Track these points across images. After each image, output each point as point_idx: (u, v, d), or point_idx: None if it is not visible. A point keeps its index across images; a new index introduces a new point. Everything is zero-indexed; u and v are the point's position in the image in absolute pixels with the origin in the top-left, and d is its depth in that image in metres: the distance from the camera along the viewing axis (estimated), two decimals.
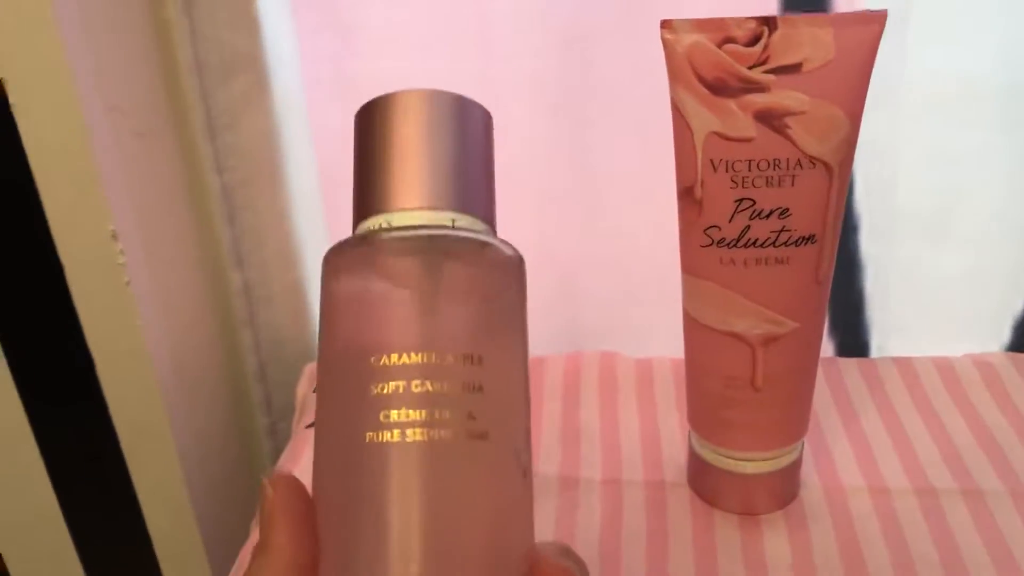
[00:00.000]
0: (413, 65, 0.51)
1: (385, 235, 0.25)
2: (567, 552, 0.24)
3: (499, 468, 0.24)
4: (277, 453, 0.49)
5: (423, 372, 0.23)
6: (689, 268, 0.38)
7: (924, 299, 0.55)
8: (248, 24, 0.50)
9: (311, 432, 0.50)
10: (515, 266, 0.26)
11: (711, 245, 0.37)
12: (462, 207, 0.25)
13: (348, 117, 0.57)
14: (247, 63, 0.51)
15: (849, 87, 0.34)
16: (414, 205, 0.25)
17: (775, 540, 0.41)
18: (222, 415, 0.58)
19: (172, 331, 0.52)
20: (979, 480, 0.43)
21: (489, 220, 0.26)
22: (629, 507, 0.43)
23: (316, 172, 0.54)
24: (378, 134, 0.26)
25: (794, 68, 0.34)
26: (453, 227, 0.25)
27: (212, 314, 0.57)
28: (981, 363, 0.52)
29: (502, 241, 0.26)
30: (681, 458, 0.45)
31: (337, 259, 0.25)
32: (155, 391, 0.49)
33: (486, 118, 0.27)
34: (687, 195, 0.37)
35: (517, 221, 0.56)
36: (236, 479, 0.60)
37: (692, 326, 0.39)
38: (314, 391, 0.53)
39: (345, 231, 0.62)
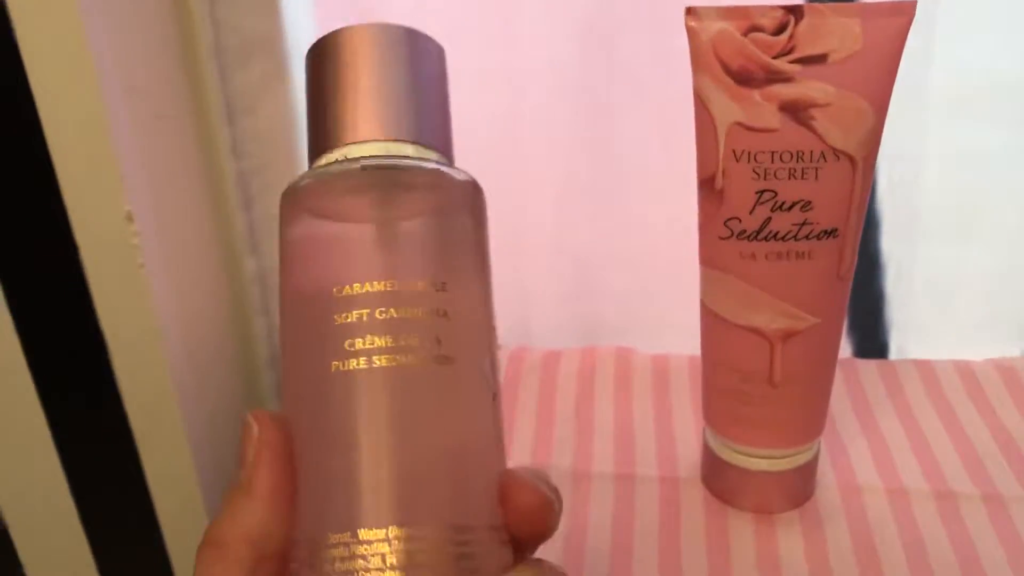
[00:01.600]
0: None
1: (339, 168, 0.24)
2: (541, 477, 0.24)
3: (467, 391, 0.24)
4: None
5: (387, 299, 0.23)
6: (708, 260, 0.38)
7: (945, 301, 0.54)
8: (268, 8, 0.50)
9: None
10: (471, 192, 0.26)
11: (731, 237, 0.36)
12: (416, 138, 0.25)
13: None
14: (266, 48, 0.51)
15: (876, 79, 0.34)
16: (367, 137, 0.25)
17: (789, 539, 0.40)
18: (233, 401, 0.58)
19: (185, 314, 0.51)
20: (999, 485, 0.43)
21: (445, 151, 0.26)
22: (642, 502, 0.43)
23: None
24: (329, 70, 0.25)
25: (820, 59, 0.33)
26: (407, 157, 0.25)
27: (226, 299, 0.57)
28: (1002, 367, 0.51)
29: (457, 169, 0.26)
30: (696, 455, 0.45)
31: (293, 197, 0.25)
32: (166, 373, 0.49)
33: (439, 51, 0.27)
34: (708, 186, 0.36)
35: (536, 213, 0.55)
36: None
37: (709, 319, 0.39)
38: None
39: None
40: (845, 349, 0.55)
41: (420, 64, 0.26)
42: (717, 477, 0.42)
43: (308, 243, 0.24)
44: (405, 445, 0.23)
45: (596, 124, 0.51)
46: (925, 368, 0.51)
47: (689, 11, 0.34)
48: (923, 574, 0.38)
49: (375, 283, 0.23)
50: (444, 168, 0.25)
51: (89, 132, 0.43)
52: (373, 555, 0.22)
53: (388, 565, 0.22)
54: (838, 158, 0.34)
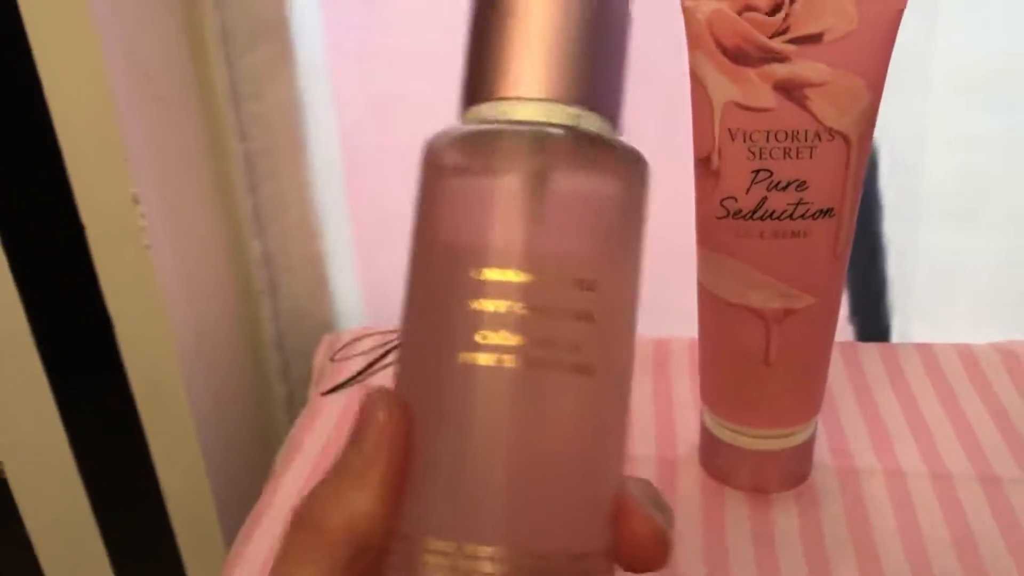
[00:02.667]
0: (438, 37, 0.51)
1: (496, 128, 0.22)
2: (657, 499, 0.22)
3: (601, 406, 0.22)
4: (293, 421, 0.49)
5: (527, 293, 0.21)
6: (704, 240, 0.38)
7: (947, 285, 0.54)
8: None
9: (327, 400, 0.51)
10: (639, 175, 0.23)
11: (727, 217, 0.36)
12: (590, 103, 0.22)
13: (372, 88, 0.57)
14: (273, 31, 0.51)
15: (871, 58, 0.34)
16: (535, 95, 0.22)
17: (785, 519, 0.40)
18: (239, 381, 0.59)
19: (191, 295, 0.52)
20: (996, 467, 0.43)
21: (616, 122, 0.23)
22: None
23: (339, 142, 0.54)
24: (503, 4, 0.22)
25: (815, 38, 0.33)
26: (576, 127, 0.22)
27: (232, 282, 0.58)
28: (1004, 351, 0.51)
29: (629, 147, 0.23)
30: (694, 436, 0.45)
31: (440, 149, 0.22)
32: (172, 352, 0.50)
33: (627, 5, 0.23)
34: (704, 165, 0.36)
35: None
36: (251, 445, 0.60)
37: (706, 299, 0.39)
38: (332, 358, 0.53)
39: (366, 205, 0.62)
40: (847, 333, 0.55)
41: (608, 16, 0.22)
42: (714, 456, 0.42)
43: (449, 211, 0.22)
44: (528, 457, 0.21)
45: None
46: (926, 351, 0.51)
47: None
48: (918, 555, 0.38)
49: (517, 272, 0.21)
50: (612, 142, 0.22)
51: (96, 115, 0.44)
52: (476, 572, 0.20)
53: None
54: (833, 137, 0.34)
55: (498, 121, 0.22)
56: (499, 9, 0.22)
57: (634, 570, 0.22)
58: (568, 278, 0.21)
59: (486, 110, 0.22)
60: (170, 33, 0.50)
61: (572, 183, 0.22)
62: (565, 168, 0.22)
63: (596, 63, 0.22)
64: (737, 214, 0.36)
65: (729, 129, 0.35)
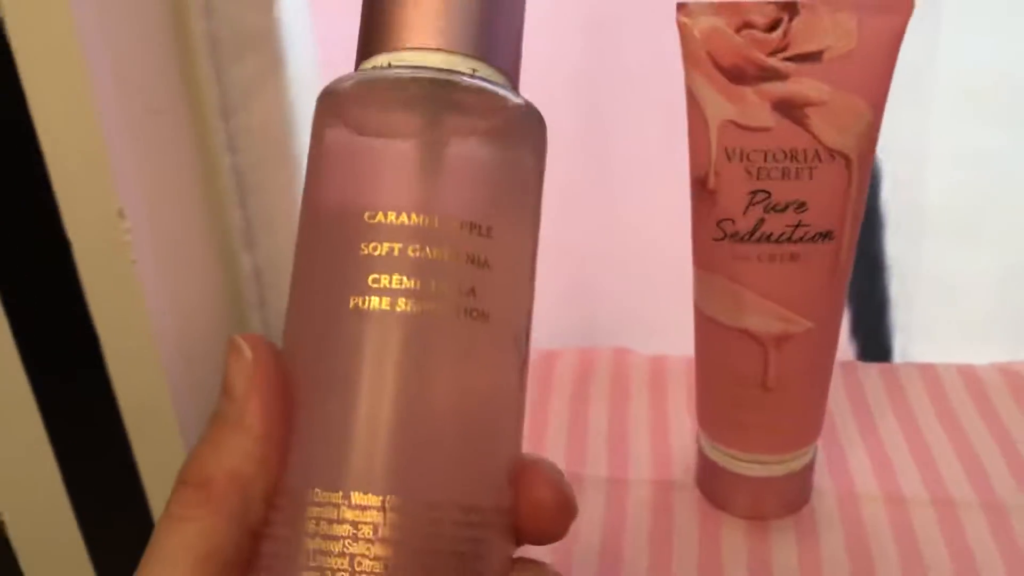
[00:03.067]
0: None
1: (389, 74, 0.21)
2: (560, 473, 0.22)
3: (495, 354, 0.21)
4: None
5: (422, 236, 0.20)
6: (701, 262, 0.37)
7: (950, 303, 0.53)
8: (263, 2, 0.49)
9: None
10: (535, 125, 0.23)
11: (724, 239, 0.35)
12: (484, 54, 0.22)
13: None
14: (261, 42, 0.50)
15: (872, 77, 0.33)
16: (428, 44, 0.22)
17: (783, 546, 0.39)
18: None
19: (179, 310, 0.51)
20: (1000, 493, 0.42)
21: (512, 76, 0.23)
22: (634, 506, 0.42)
23: None
24: None
25: (815, 56, 0.32)
26: (469, 74, 0.22)
27: (221, 296, 0.57)
28: (1008, 372, 0.50)
29: (521, 97, 0.22)
30: (691, 458, 0.44)
31: (331, 100, 0.22)
32: (160, 369, 0.49)
33: None
34: (700, 186, 0.35)
35: None
36: None
37: (703, 322, 0.38)
38: None
39: None
40: (848, 352, 0.54)
41: None
42: (711, 481, 0.41)
43: (342, 156, 0.21)
44: (417, 402, 0.20)
45: (593, 123, 0.50)
46: (928, 372, 0.50)
47: (680, 7, 0.33)
48: None
49: (412, 215, 0.20)
50: (508, 93, 0.22)
51: (80, 127, 0.43)
52: (364, 524, 0.19)
53: (379, 538, 0.19)
54: (833, 158, 0.33)
55: (390, 68, 0.21)
56: None
57: (535, 539, 0.22)
58: (463, 223, 0.21)
59: (381, 60, 0.22)
60: (157, 44, 0.49)
61: (468, 131, 0.21)
62: (460, 115, 0.21)
63: (492, 14, 0.22)
64: (734, 236, 0.35)
65: (726, 149, 0.34)
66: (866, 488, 0.42)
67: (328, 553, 0.19)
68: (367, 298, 0.20)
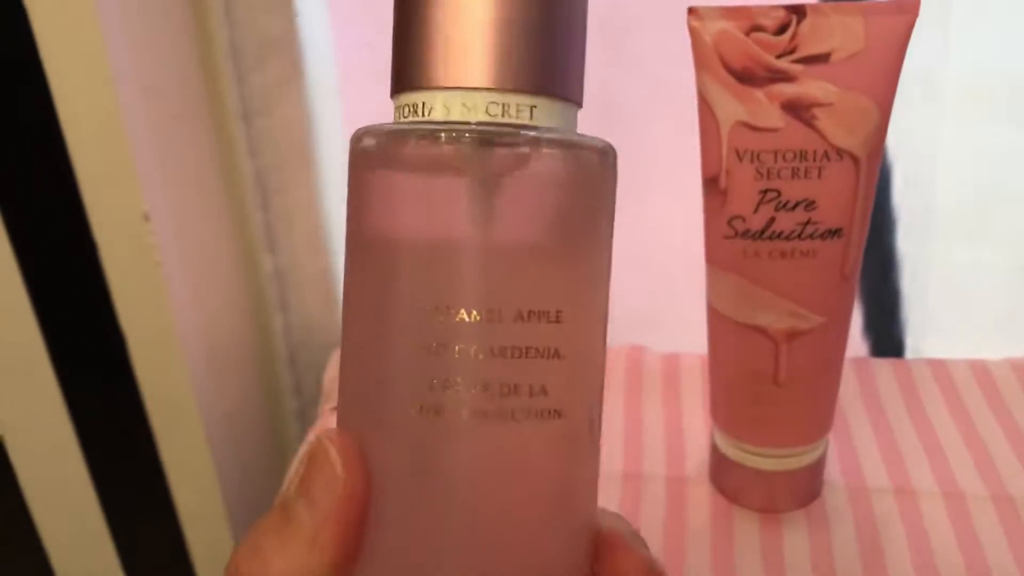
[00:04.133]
0: None
1: (434, 130, 0.18)
2: (633, 531, 0.21)
3: (572, 449, 0.20)
4: (305, 436, 0.49)
5: (489, 334, 0.18)
6: (713, 259, 0.38)
7: (962, 299, 0.53)
8: (283, 8, 0.50)
9: (335, 416, 0.50)
10: (607, 171, 0.20)
11: (735, 236, 0.36)
12: (547, 90, 0.18)
13: (382, 104, 0.57)
14: (282, 48, 0.51)
15: (879, 78, 0.33)
16: (477, 83, 0.18)
17: (795, 539, 0.40)
18: (252, 398, 0.59)
19: (203, 312, 0.52)
20: (1010, 487, 0.42)
21: (577, 101, 0.20)
22: (648, 501, 0.43)
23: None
24: None
25: (823, 58, 0.33)
26: (530, 124, 0.19)
27: (244, 298, 0.58)
28: (1019, 367, 0.50)
29: (592, 141, 0.19)
30: (704, 454, 0.45)
31: (368, 160, 0.19)
32: (184, 370, 0.50)
33: None
34: (711, 185, 0.36)
35: None
36: (264, 461, 0.60)
37: (715, 319, 0.39)
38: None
39: None
40: (861, 349, 0.55)
41: None
42: (724, 476, 0.42)
43: (394, 247, 0.19)
44: (496, 511, 0.19)
45: (606, 122, 0.51)
46: (939, 368, 0.50)
47: (691, 11, 0.34)
48: (929, 574, 0.38)
49: (475, 311, 0.18)
50: (578, 140, 0.19)
51: (106, 133, 0.44)
52: None
53: None
54: (841, 157, 0.34)
55: (436, 123, 0.18)
56: None
57: None
58: (531, 312, 0.18)
59: (418, 101, 0.19)
60: (180, 50, 0.50)
61: (528, 208, 0.18)
62: (519, 190, 0.18)
63: (552, 40, 0.19)
64: (745, 234, 0.36)
65: (736, 149, 0.35)
66: (877, 481, 0.43)
67: None
68: (433, 403, 0.19)
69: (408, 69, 0.19)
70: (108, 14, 0.42)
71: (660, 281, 0.55)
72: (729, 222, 0.36)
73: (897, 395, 0.49)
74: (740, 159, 0.35)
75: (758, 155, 0.34)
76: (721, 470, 0.42)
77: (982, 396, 0.48)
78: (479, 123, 0.18)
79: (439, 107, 0.18)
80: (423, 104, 0.19)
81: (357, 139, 0.20)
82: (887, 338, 0.55)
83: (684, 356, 0.53)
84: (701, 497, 0.43)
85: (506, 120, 0.18)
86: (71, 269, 0.48)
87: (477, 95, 0.18)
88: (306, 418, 0.62)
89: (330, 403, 0.51)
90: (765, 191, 0.35)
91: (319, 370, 0.57)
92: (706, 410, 0.48)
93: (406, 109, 0.19)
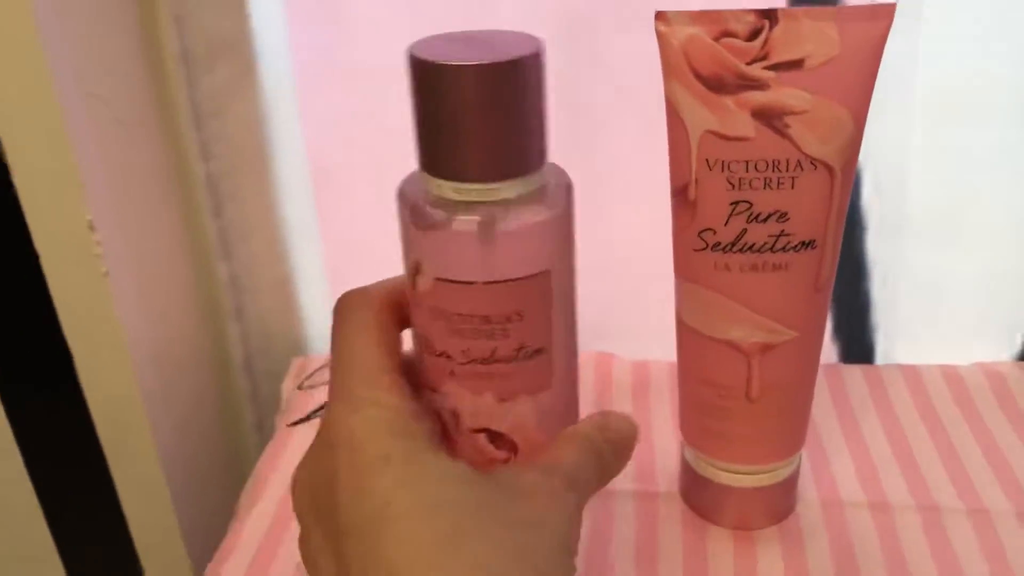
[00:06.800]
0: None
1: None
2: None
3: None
4: (264, 448, 0.48)
5: None
6: (682, 272, 0.36)
7: (932, 304, 0.52)
8: (235, 9, 0.48)
9: (294, 432, 0.49)
10: (563, 225, 0.28)
11: (705, 249, 0.35)
12: (523, 170, 0.26)
13: (338, 106, 0.55)
14: (234, 49, 0.49)
15: (854, 85, 0.32)
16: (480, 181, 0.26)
17: (769, 557, 0.39)
18: (206, 409, 0.57)
19: (153, 323, 0.50)
20: (986, 499, 0.41)
21: (538, 166, 0.27)
22: (619, 518, 0.41)
23: (306, 161, 0.53)
24: (440, 103, 0.26)
25: (796, 64, 0.32)
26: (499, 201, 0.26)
27: (197, 307, 0.56)
28: (991, 372, 0.50)
29: (549, 207, 0.27)
30: (675, 468, 0.43)
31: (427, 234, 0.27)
32: (133, 382, 0.48)
33: (540, 61, 0.26)
34: (681, 196, 0.35)
35: None
36: (221, 473, 0.58)
37: (685, 332, 0.38)
38: (299, 387, 0.51)
39: (336, 225, 0.59)
40: (831, 353, 0.54)
41: (530, 92, 0.26)
42: (695, 492, 0.41)
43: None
44: None
45: (576, 127, 0.49)
46: (911, 373, 0.50)
47: (659, 16, 0.33)
48: None
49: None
50: (536, 209, 0.27)
51: (47, 140, 0.42)
52: None
53: None
54: (815, 167, 0.33)
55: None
56: (443, 106, 0.26)
57: None
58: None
59: (447, 188, 0.26)
60: (126, 54, 0.48)
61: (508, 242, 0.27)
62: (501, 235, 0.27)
63: (518, 141, 0.26)
64: (716, 247, 0.34)
65: (707, 159, 0.33)
66: (851, 495, 0.42)
67: None
68: None
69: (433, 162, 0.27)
70: (46, 18, 0.40)
71: (628, 288, 0.53)
72: (699, 234, 0.35)
73: (869, 403, 0.48)
74: (710, 169, 0.33)
75: (729, 165, 0.33)
76: (692, 487, 0.41)
77: (954, 403, 0.48)
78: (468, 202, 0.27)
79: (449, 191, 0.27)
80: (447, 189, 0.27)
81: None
82: (857, 343, 0.54)
83: (653, 364, 0.51)
84: (673, 514, 0.41)
85: (483, 200, 0.26)
86: (13, 279, 0.46)
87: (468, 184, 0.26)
88: (264, 429, 0.61)
89: (287, 418, 0.49)
90: (736, 203, 0.34)
91: (277, 379, 0.56)
92: (676, 419, 0.47)
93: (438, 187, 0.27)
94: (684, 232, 0.35)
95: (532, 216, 0.26)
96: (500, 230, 0.26)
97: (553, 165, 0.28)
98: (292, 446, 0.47)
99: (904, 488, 0.42)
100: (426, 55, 0.25)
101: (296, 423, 0.48)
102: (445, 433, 0.29)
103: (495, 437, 0.29)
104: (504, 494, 0.26)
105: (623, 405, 0.48)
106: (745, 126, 0.32)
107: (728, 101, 0.32)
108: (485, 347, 0.27)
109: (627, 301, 0.54)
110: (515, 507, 0.25)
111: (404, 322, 0.29)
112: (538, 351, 0.28)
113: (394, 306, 0.29)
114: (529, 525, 0.25)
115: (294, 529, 0.42)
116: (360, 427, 0.26)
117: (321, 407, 0.49)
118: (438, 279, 0.27)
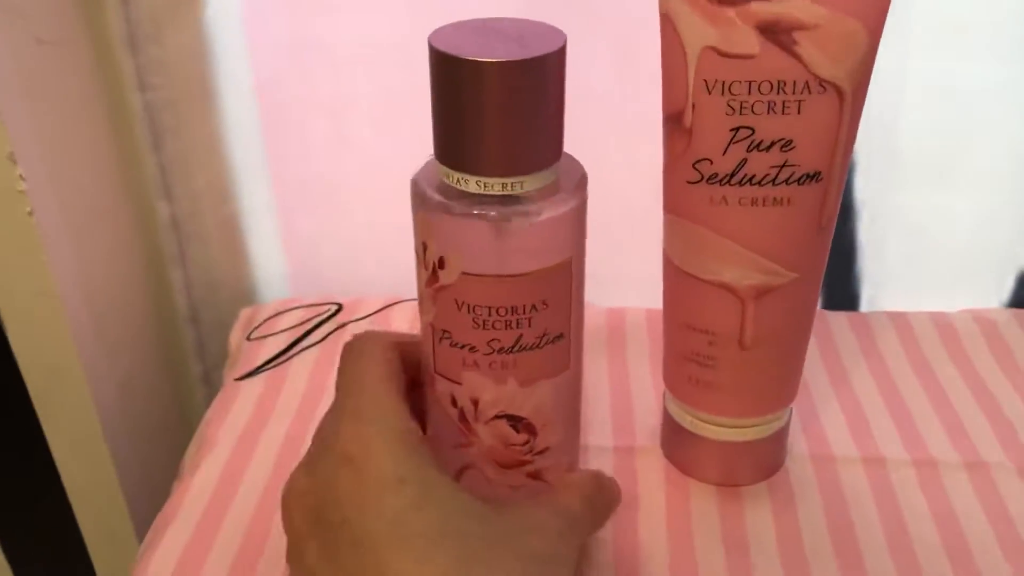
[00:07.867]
0: None
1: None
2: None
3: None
4: (211, 401, 0.44)
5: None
6: (673, 207, 0.33)
7: (920, 248, 0.50)
8: None
9: (241, 386, 0.45)
10: (577, 214, 0.28)
11: (700, 181, 0.31)
12: (538, 165, 0.26)
13: (289, 32, 0.50)
14: None
15: None
16: (497, 176, 0.26)
17: (757, 515, 0.36)
18: (149, 362, 0.53)
19: (87, 268, 0.46)
20: (982, 451, 0.39)
21: (554, 160, 0.27)
22: None
23: (253, 93, 0.48)
24: (465, 98, 0.25)
25: None
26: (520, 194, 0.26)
27: (136, 251, 0.51)
28: (982, 319, 0.47)
29: (559, 206, 0.27)
30: (655, 421, 0.40)
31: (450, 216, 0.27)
32: (67, 335, 0.44)
33: (562, 58, 0.26)
34: (674, 122, 0.31)
35: None
36: (167, 427, 0.55)
37: (673, 274, 0.34)
38: (248, 337, 0.47)
39: (286, 163, 0.54)
40: None
41: (551, 88, 0.26)
42: (678, 446, 0.38)
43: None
44: None
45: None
46: (900, 321, 0.47)
47: None
48: (903, 550, 0.35)
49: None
50: (544, 207, 0.27)
51: None
52: None
53: None
54: (824, 89, 0.30)
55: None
56: (464, 101, 0.26)
57: None
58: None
59: (465, 180, 0.27)
60: None
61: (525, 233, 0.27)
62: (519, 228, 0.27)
63: (541, 135, 0.26)
64: (712, 178, 0.31)
65: (705, 80, 0.30)
66: (842, 449, 0.39)
67: None
68: None
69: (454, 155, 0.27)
70: None
71: (602, 229, 0.50)
72: (694, 165, 0.31)
73: (857, 351, 0.45)
74: (709, 92, 0.30)
75: (729, 86, 0.30)
76: (675, 440, 0.38)
77: (945, 351, 0.45)
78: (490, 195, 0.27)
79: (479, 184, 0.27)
80: (464, 181, 0.27)
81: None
82: (841, 289, 0.51)
83: (629, 311, 0.48)
84: (653, 470, 0.39)
85: (505, 192, 0.27)
86: None
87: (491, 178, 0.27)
88: (211, 382, 0.57)
89: (235, 372, 0.45)
90: (737, 129, 0.30)
91: (225, 329, 0.52)
92: (655, 371, 0.44)
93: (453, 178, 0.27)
94: (677, 162, 0.32)
95: (556, 207, 0.27)
96: (526, 223, 0.26)
97: (566, 154, 0.28)
98: (240, 400, 0.43)
99: (898, 442, 0.40)
100: (455, 50, 0.25)
101: (244, 376, 0.45)
102: (463, 420, 0.30)
103: (516, 421, 0.30)
104: (517, 528, 0.27)
105: (597, 355, 0.45)
106: (749, 42, 0.29)
107: (731, 13, 0.29)
108: (510, 337, 0.28)
109: (599, 242, 0.51)
110: (527, 541, 0.27)
111: (410, 369, 0.31)
112: (559, 336, 0.29)
113: (403, 351, 0.31)
114: (541, 560, 0.27)
115: (242, 491, 0.39)
116: (377, 444, 0.27)
117: (271, 360, 0.46)
118: (465, 273, 0.27)
